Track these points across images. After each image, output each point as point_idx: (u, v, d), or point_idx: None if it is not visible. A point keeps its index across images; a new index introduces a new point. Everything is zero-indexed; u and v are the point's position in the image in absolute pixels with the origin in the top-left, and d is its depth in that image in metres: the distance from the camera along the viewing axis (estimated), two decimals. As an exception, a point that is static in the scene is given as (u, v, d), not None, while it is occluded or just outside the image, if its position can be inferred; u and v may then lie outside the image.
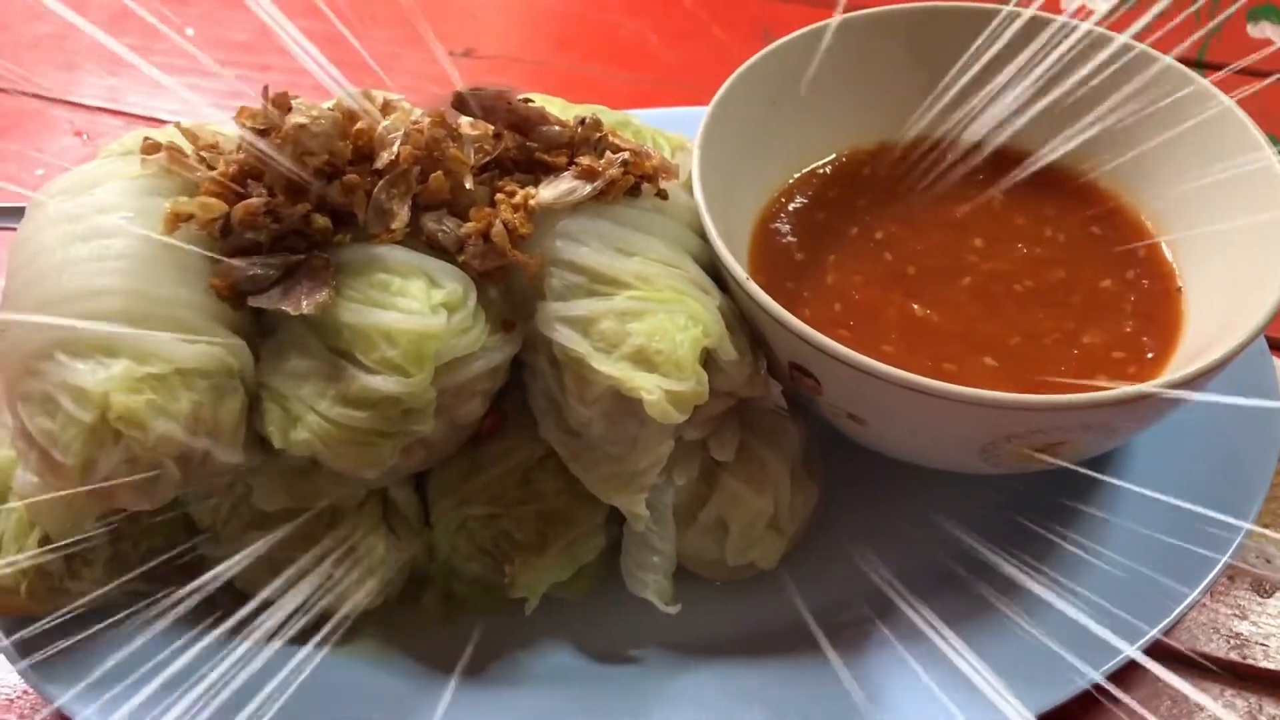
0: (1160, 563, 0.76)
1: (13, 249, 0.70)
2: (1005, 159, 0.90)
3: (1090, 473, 0.75)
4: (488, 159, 0.73)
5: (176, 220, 0.68)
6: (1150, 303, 0.81)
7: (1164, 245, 0.85)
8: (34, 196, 0.73)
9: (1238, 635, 0.79)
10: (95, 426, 0.63)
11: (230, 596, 0.76)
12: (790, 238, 0.86)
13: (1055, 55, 0.87)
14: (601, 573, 0.78)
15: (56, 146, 1.21)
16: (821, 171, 0.91)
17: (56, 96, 1.29)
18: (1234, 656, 0.78)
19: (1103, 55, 0.86)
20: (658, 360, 0.67)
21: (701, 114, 0.82)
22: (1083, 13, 0.89)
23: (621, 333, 0.68)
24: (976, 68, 0.89)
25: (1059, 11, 0.88)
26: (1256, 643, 0.79)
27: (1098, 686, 0.71)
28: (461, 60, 1.34)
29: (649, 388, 0.66)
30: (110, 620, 0.72)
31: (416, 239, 0.71)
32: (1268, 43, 1.31)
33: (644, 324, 0.68)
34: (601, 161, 0.72)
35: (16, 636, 0.73)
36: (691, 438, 0.75)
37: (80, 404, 0.63)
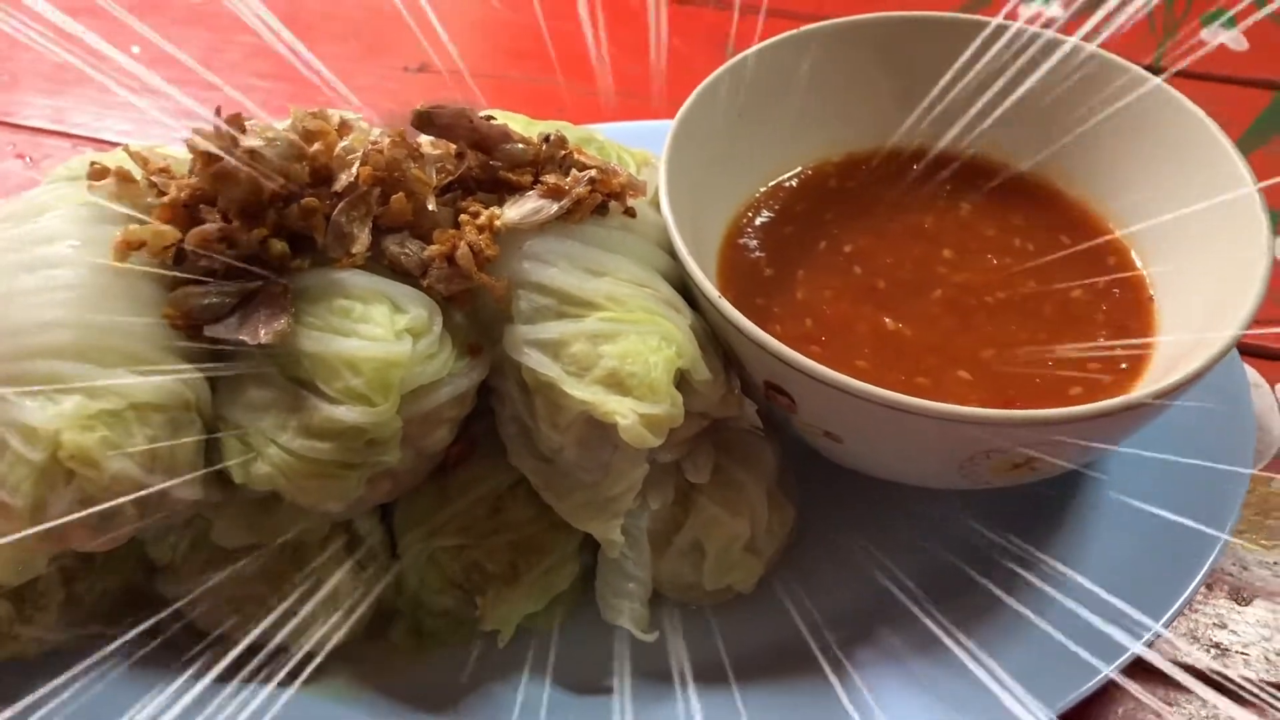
0: (1138, 576, 0.75)
1: (-48, 281, 0.67)
2: (971, 169, 0.90)
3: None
4: (450, 179, 0.71)
5: (127, 248, 0.65)
6: (1123, 312, 0.81)
7: (1134, 254, 0.84)
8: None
9: (1218, 645, 0.79)
10: (46, 466, 0.61)
11: (191, 637, 0.74)
12: (758, 253, 0.85)
13: (1020, 64, 0.87)
14: (575, 602, 0.76)
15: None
16: (788, 185, 0.90)
17: (-4, 118, 1.25)
18: (1215, 666, 0.78)
19: (1068, 63, 0.86)
20: (631, 383, 0.65)
21: (665, 128, 0.81)
22: (1040, 19, 0.89)
23: (593, 355, 0.67)
24: (942, 78, 0.89)
25: (1018, 19, 0.87)
26: (1237, 651, 0.78)
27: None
28: (416, 76, 1.32)
29: (623, 412, 0.64)
30: (64, 666, 0.69)
31: (378, 263, 0.68)
32: (1221, 47, 1.32)
33: (616, 346, 0.67)
34: (568, 180, 0.71)
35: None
36: (665, 460, 0.73)
37: (29, 443, 0.61)
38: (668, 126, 0.81)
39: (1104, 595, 0.73)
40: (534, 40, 1.39)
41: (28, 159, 1.20)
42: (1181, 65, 0.90)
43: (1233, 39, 1.31)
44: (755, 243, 0.86)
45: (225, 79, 1.30)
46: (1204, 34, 1.32)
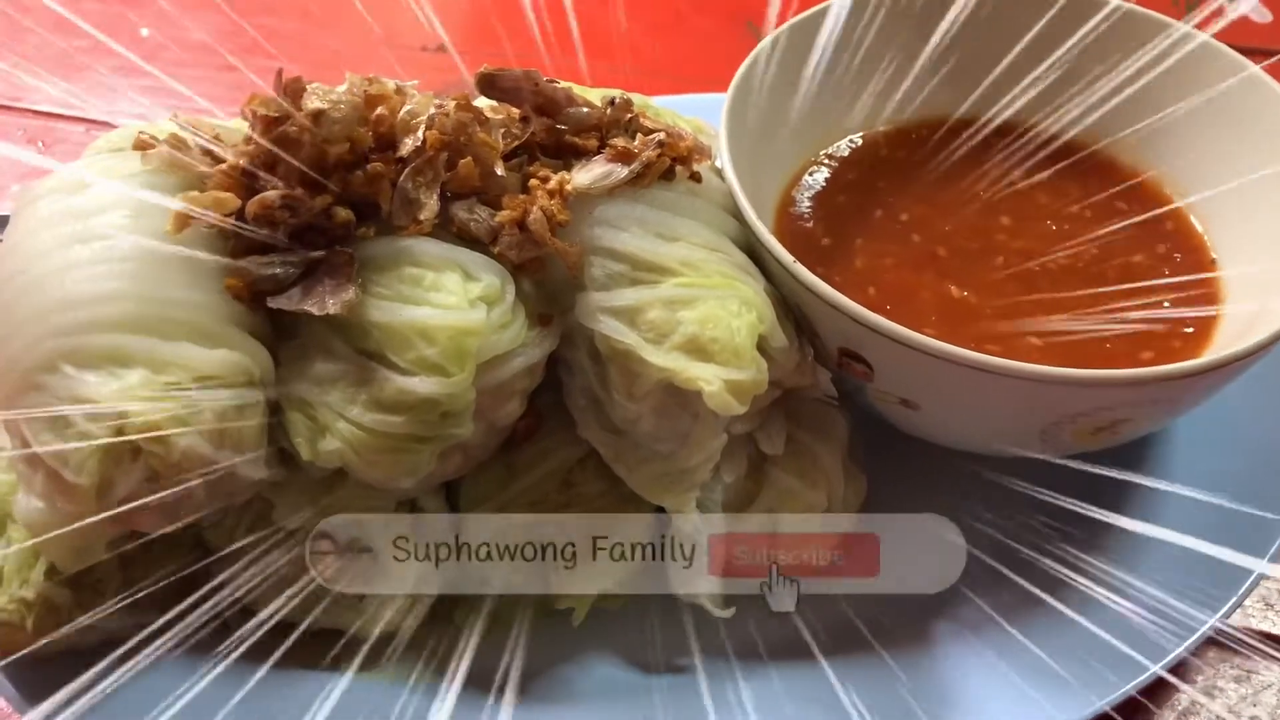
0: (1214, 543, 0.74)
1: (-1, 256, 0.64)
2: (1022, 135, 0.88)
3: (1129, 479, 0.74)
4: (516, 144, 0.69)
5: (187, 218, 0.63)
6: (1186, 276, 0.80)
7: (1193, 218, 0.83)
8: (19, 196, 0.68)
9: (1292, 611, 0.78)
10: (111, 444, 0.58)
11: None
12: (814, 222, 0.83)
13: (1070, 29, 0.86)
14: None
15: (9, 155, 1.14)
16: (838, 154, 0.88)
17: (5, 103, 1.21)
18: (1291, 633, 0.77)
19: (1117, 28, 0.85)
20: (714, 349, 0.64)
21: (703, 101, 0.80)
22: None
23: (671, 321, 0.65)
24: (990, 46, 0.87)
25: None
26: (1312, 617, 0.78)
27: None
28: (435, 55, 1.29)
29: (708, 378, 0.63)
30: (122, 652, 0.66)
31: (445, 230, 0.66)
32: (1245, 20, 1.31)
33: (695, 311, 0.65)
34: (636, 144, 0.69)
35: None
36: (738, 432, 0.71)
37: (93, 419, 0.58)
38: (708, 100, 0.80)
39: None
40: (552, 20, 1.36)
41: (40, 144, 1.16)
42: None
43: (1255, 10, 1.30)
44: (809, 212, 0.84)
45: (241, 61, 1.27)
46: (1226, 6, 1.32)
